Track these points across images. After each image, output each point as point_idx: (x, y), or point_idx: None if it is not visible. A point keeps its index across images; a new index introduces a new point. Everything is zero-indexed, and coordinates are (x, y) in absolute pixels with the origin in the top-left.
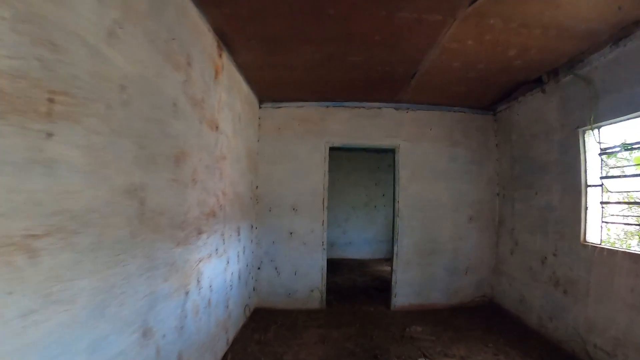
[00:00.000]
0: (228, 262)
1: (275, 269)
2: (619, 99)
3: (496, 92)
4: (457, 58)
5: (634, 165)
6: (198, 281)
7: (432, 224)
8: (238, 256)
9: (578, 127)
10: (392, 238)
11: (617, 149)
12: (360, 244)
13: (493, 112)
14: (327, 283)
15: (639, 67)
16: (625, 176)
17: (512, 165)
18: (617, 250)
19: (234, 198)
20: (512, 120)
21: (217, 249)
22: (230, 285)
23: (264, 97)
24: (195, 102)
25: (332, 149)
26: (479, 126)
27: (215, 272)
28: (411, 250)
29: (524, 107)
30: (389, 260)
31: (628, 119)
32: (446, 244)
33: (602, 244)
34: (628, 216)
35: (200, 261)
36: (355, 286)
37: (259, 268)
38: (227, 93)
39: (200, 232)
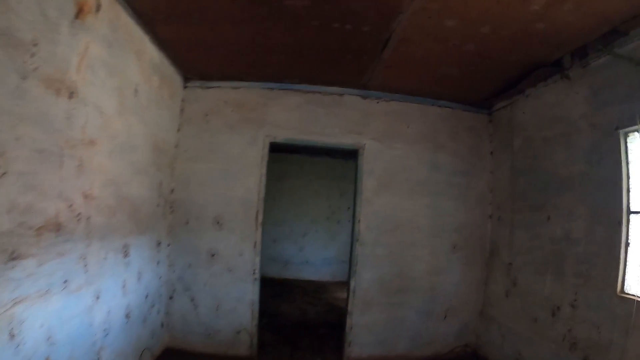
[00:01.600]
0: (98, 297)
1: (192, 300)
2: None
3: (498, 79)
4: (453, 11)
5: None
6: (11, 335)
7: (403, 252)
8: (124, 286)
9: (618, 128)
10: (349, 270)
11: None
12: (319, 263)
13: (488, 110)
14: (270, 313)
15: None
16: None
17: (513, 179)
18: None
19: (115, 204)
20: (515, 121)
21: (65, 281)
22: (105, 330)
23: (190, 74)
24: (14, 42)
25: (274, 145)
26: (470, 127)
27: (62, 315)
28: (374, 286)
29: (533, 103)
30: None
31: None
32: (421, 279)
33: None
34: None
35: (17, 302)
36: (304, 320)
37: (171, 297)
38: (108, 49)
39: (15, 257)
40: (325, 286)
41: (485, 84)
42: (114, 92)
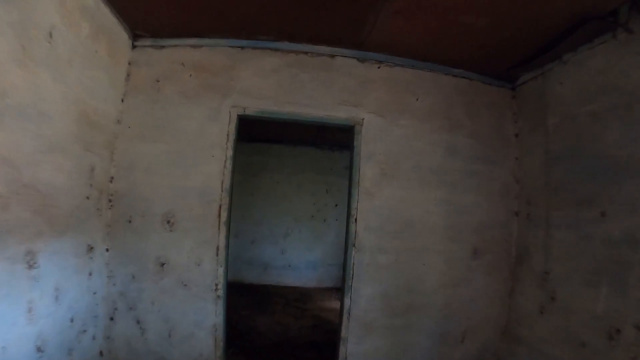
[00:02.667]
0: None
1: (138, 323)
2: None
3: (533, 37)
4: None
5: None
6: None
7: (413, 260)
8: (31, 310)
9: None
10: (343, 284)
11: None
12: (302, 267)
13: (511, 84)
14: (243, 331)
15: None
16: None
17: (548, 166)
18: None
19: (9, 193)
20: (550, 95)
21: None
22: None
23: (139, 30)
24: None
25: (245, 119)
26: (490, 103)
27: None
28: (375, 305)
29: (575, 70)
30: (340, 290)
31: None
32: (435, 294)
33: None
34: None
35: None
36: (285, 340)
37: (111, 319)
38: None
39: None
40: (310, 294)
41: (518, 43)
42: (7, 28)
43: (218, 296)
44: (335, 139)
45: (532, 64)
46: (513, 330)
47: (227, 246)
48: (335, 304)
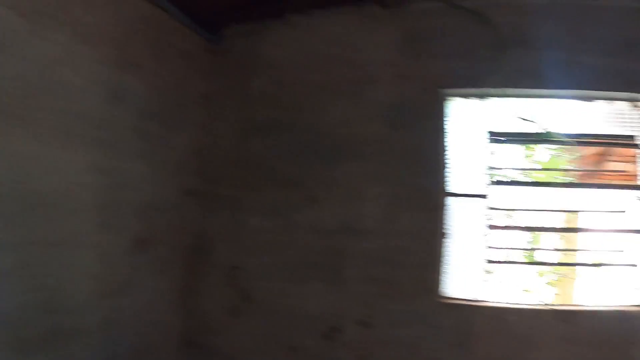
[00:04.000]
0: None
1: None
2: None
3: None
4: None
5: None
6: None
7: (49, 261)
8: None
9: (441, 87)
10: None
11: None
12: None
13: (213, 33)
14: None
15: None
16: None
17: (245, 138)
18: None
19: None
20: (263, 57)
21: None
22: None
23: None
24: None
25: None
26: (182, 51)
27: None
28: None
29: (303, 35)
30: None
31: None
32: (87, 309)
33: None
34: None
35: None
36: None
37: None
38: None
39: None
40: None
41: None
42: None
43: None
44: None
45: (246, 15)
46: (200, 339)
47: None
48: None
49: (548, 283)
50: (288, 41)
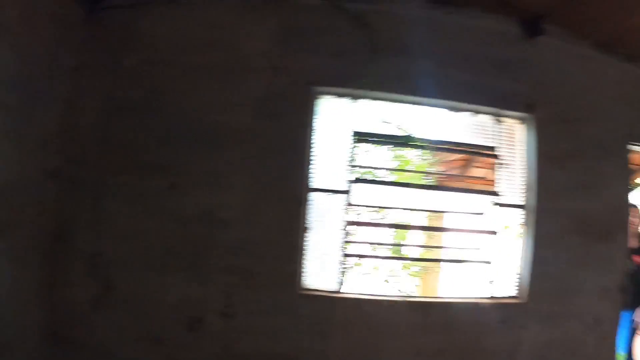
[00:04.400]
0: None
1: None
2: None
3: None
4: None
5: None
6: None
7: None
8: None
9: (311, 84)
10: None
11: None
12: None
13: (93, 3)
14: None
15: None
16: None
17: (111, 117)
18: None
19: None
20: (141, 32)
21: None
22: None
23: None
24: None
25: None
26: (56, 16)
27: None
28: None
29: (186, 15)
30: None
31: None
32: None
33: None
34: None
35: None
36: None
37: None
38: None
39: None
40: None
41: None
42: None
43: None
44: None
45: None
46: (64, 332)
47: None
48: None
49: (411, 276)
50: (167, 20)
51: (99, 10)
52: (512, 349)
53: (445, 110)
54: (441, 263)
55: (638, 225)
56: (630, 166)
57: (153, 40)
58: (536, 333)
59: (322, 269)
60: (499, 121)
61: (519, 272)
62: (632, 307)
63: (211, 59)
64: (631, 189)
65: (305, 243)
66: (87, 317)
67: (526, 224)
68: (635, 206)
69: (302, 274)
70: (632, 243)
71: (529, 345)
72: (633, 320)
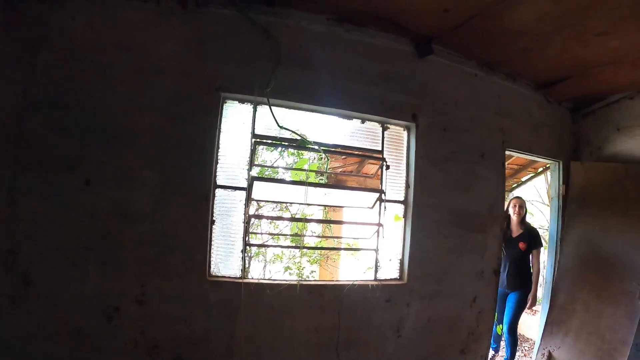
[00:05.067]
0: None
1: None
2: None
3: None
4: None
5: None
6: None
7: None
8: None
9: (219, 90)
10: None
11: None
12: None
13: None
14: None
15: None
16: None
17: (23, 113)
18: None
19: None
20: (53, 27)
21: None
22: None
23: None
24: None
25: None
26: None
27: None
28: None
29: (101, 11)
30: None
31: None
32: None
33: None
34: None
35: None
36: None
37: None
38: None
39: None
40: None
41: None
42: None
43: None
44: None
45: None
46: None
47: None
48: None
49: (311, 263)
50: (82, 17)
51: (16, 2)
52: (397, 324)
53: (340, 118)
54: (337, 251)
55: (521, 215)
56: (506, 168)
57: (70, 36)
58: (418, 310)
59: (228, 258)
60: (387, 128)
61: (402, 258)
62: (514, 289)
63: (125, 59)
64: (505, 188)
65: (212, 234)
66: (6, 313)
67: (408, 216)
68: (519, 197)
69: (210, 263)
70: (516, 231)
71: (412, 321)
72: (520, 299)
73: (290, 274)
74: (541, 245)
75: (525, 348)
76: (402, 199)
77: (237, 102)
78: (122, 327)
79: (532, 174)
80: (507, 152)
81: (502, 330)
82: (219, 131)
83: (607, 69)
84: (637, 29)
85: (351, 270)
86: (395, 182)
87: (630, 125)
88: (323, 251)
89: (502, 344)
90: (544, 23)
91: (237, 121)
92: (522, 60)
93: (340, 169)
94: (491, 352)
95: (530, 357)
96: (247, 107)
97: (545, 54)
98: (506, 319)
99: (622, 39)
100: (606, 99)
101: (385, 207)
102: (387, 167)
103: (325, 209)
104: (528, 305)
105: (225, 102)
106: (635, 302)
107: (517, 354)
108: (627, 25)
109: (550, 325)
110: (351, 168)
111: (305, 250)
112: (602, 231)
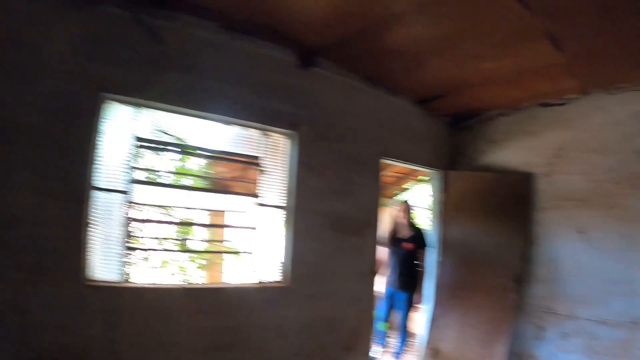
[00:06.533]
0: None
1: None
2: None
3: None
4: None
5: None
6: None
7: None
8: None
9: (101, 90)
10: None
11: None
12: None
13: None
14: None
15: None
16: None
17: None
18: None
19: None
20: None
21: None
22: None
23: None
24: None
25: None
26: None
27: None
28: None
29: None
30: None
31: None
32: None
33: None
34: None
35: None
36: None
37: None
38: None
39: None
40: None
41: None
42: None
43: None
44: None
45: None
46: None
47: None
48: None
49: (198, 268)
50: None
51: None
52: (279, 324)
53: (222, 124)
54: (223, 255)
55: (406, 218)
56: (390, 176)
57: None
58: (299, 310)
59: (107, 262)
60: (267, 135)
61: (282, 261)
62: (404, 288)
63: (6, 54)
64: (381, 195)
65: (89, 238)
66: None
67: (287, 221)
68: (406, 202)
69: (87, 267)
70: (403, 233)
71: (295, 321)
72: (410, 299)
73: (175, 278)
74: (426, 245)
75: (411, 342)
76: (283, 204)
77: (119, 103)
78: (2, 338)
79: (415, 182)
80: (387, 161)
81: (388, 327)
82: (98, 132)
83: (480, 88)
84: (508, 54)
85: (236, 274)
86: (278, 188)
87: (503, 139)
88: (210, 256)
89: (390, 340)
90: (420, 45)
91: (119, 123)
92: (402, 76)
93: (228, 175)
94: (380, 348)
95: (418, 352)
96: (130, 110)
97: (423, 72)
98: (399, 317)
99: (495, 62)
100: (484, 115)
101: (263, 212)
102: (262, 172)
103: (209, 213)
104: (418, 303)
105: (106, 103)
106: (508, 294)
107: (405, 348)
108: (499, 50)
109: (436, 320)
110: (237, 174)
111: (192, 254)
112: (478, 233)
